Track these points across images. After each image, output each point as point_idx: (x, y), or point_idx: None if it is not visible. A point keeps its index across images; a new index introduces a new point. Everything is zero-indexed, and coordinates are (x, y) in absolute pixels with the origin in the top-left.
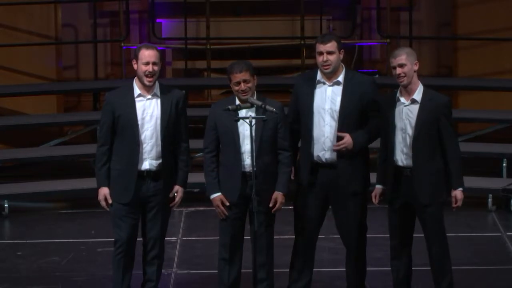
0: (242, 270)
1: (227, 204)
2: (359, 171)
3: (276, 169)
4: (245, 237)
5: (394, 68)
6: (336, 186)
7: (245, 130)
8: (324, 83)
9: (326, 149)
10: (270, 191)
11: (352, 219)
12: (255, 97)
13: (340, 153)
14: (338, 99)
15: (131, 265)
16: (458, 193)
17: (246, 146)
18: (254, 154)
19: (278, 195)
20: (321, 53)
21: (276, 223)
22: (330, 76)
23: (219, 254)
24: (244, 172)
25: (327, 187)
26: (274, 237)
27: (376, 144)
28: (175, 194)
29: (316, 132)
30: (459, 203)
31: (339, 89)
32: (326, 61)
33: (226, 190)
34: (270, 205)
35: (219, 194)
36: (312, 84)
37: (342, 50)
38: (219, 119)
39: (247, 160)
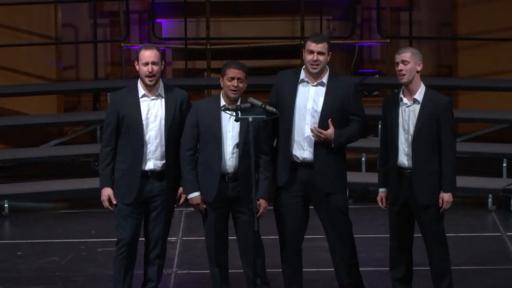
0: (234, 270)
1: (204, 207)
2: (336, 170)
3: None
4: (232, 237)
5: (397, 64)
6: (313, 185)
7: (228, 131)
8: (308, 83)
9: (304, 148)
10: (250, 193)
11: (333, 218)
12: (240, 101)
13: (317, 153)
14: (321, 100)
15: (132, 265)
16: (446, 195)
17: (228, 146)
18: (253, 154)
19: (261, 202)
20: (311, 52)
21: (273, 223)
22: (315, 77)
23: (207, 256)
24: (224, 174)
25: (306, 187)
26: (274, 237)
27: (375, 144)
28: (180, 195)
29: (296, 131)
30: (446, 206)
31: (322, 90)
32: (316, 60)
33: (203, 190)
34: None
35: (198, 194)
36: (295, 83)
37: (331, 52)
38: (202, 117)
39: (228, 161)
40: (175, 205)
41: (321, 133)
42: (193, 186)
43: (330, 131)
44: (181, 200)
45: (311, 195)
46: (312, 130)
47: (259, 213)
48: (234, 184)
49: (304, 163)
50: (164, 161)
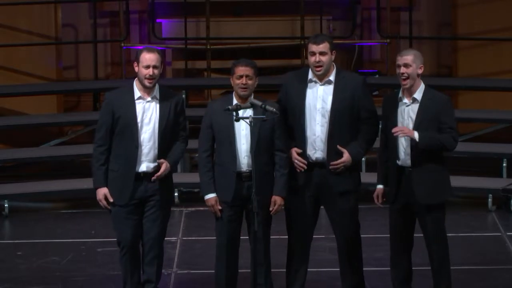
0: (239, 270)
1: (220, 208)
2: (349, 170)
3: (271, 169)
4: (242, 237)
5: (399, 66)
6: (326, 185)
7: (241, 130)
8: (315, 82)
9: (316, 148)
10: (265, 191)
11: (344, 218)
12: (252, 98)
13: (330, 153)
14: (330, 98)
15: (138, 265)
16: (416, 135)
17: (242, 145)
18: (253, 154)
19: (277, 199)
20: (313, 54)
21: (277, 223)
22: (322, 76)
23: (216, 254)
24: (240, 172)
25: (318, 186)
26: (275, 237)
27: (375, 144)
28: (159, 166)
29: (307, 131)
30: (405, 134)
31: (330, 88)
32: (319, 61)
33: (221, 190)
34: (270, 208)
35: (214, 195)
36: (303, 83)
37: (334, 51)
38: (215, 117)
39: (243, 160)
40: (152, 177)
41: (339, 164)
42: (209, 187)
43: (346, 156)
44: (161, 171)
45: (322, 195)
46: (332, 169)
47: (273, 210)
48: (249, 183)
49: (317, 163)
50: (156, 164)
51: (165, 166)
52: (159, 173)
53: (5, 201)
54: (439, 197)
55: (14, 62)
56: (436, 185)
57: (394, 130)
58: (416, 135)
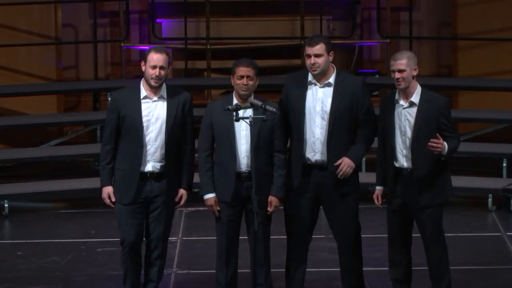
0: (238, 270)
1: (218, 208)
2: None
3: (271, 169)
4: (241, 237)
5: (393, 71)
6: (326, 187)
7: (241, 130)
8: (315, 85)
9: (316, 150)
10: (265, 192)
11: (345, 220)
12: (252, 98)
13: (330, 155)
14: (329, 101)
15: (139, 264)
16: (443, 144)
17: (242, 145)
18: (253, 154)
19: (273, 199)
20: (309, 56)
21: (276, 223)
22: (321, 78)
23: (216, 254)
24: (239, 172)
25: (317, 188)
26: (275, 237)
27: (375, 144)
28: (180, 197)
29: (306, 133)
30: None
31: (329, 91)
32: (314, 64)
33: (220, 190)
34: (268, 209)
35: (213, 195)
36: (303, 85)
37: (332, 52)
38: (215, 117)
39: (242, 160)
40: (175, 206)
41: (342, 172)
42: (208, 187)
43: (344, 162)
44: (182, 202)
45: (323, 197)
46: (339, 175)
47: (269, 211)
48: (249, 183)
49: (316, 165)
50: (163, 163)
51: (185, 196)
52: (180, 204)
53: (5, 201)
54: (437, 198)
55: (14, 62)
56: (435, 187)
57: (432, 142)
58: (445, 150)
